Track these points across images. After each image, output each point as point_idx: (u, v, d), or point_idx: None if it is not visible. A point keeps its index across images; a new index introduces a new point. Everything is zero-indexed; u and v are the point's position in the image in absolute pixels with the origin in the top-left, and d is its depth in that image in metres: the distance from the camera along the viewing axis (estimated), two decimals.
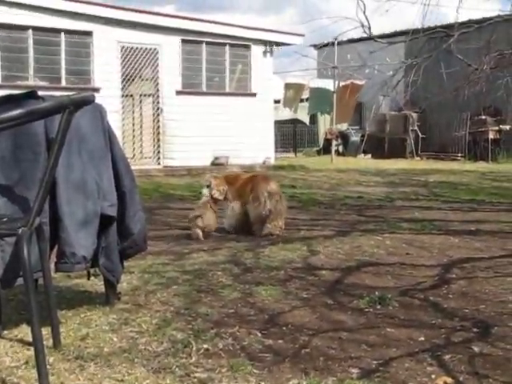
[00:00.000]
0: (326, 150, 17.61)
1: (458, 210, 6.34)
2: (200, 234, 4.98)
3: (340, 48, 14.99)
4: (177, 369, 2.05)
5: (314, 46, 19.73)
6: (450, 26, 6.94)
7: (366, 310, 2.90)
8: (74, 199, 2.40)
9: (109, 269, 2.72)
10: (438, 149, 16.62)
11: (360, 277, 3.60)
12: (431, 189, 8.94)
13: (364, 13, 6.35)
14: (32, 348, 1.91)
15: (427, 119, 17.06)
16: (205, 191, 5.11)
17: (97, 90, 10.63)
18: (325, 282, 3.49)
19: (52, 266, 2.42)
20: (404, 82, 7.93)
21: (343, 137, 18.22)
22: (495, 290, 3.14)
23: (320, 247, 4.49)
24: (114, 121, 9.44)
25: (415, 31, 6.23)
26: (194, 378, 1.98)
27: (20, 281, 2.01)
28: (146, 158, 11.68)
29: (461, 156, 16.16)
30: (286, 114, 17.10)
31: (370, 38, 6.75)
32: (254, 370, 2.05)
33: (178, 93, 11.80)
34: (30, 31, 10.30)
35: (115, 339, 2.37)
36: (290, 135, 19.41)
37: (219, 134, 12.04)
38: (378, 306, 2.94)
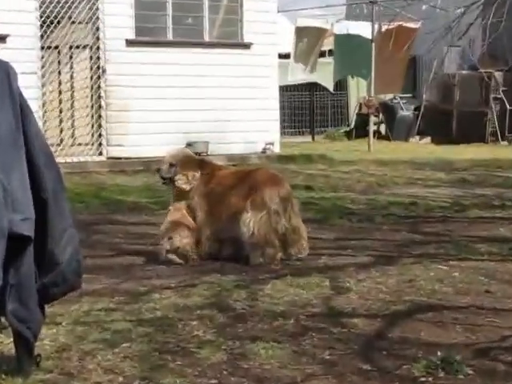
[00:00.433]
0: (359, 130, 17.67)
1: None
2: (175, 259, 5.09)
3: None
4: None
5: None
6: None
7: (423, 379, 2.92)
8: None
9: (21, 318, 2.73)
10: None
11: (413, 328, 3.62)
12: None
13: None
14: None
15: None
16: (164, 172, 5.24)
17: (2, 38, 10.66)
18: (358, 336, 3.51)
19: None
20: (480, 26, 7.95)
21: (387, 111, 18.21)
22: None
23: (350, 282, 4.54)
24: (29, 87, 9.42)
25: None
26: None
27: None
28: (80, 144, 11.68)
29: None
30: (299, 75, 17.10)
31: None
32: None
33: (130, 43, 11.76)
34: None
35: None
36: (304, 108, 19.53)
37: (194, 107, 12.04)
38: (442, 374, 2.96)
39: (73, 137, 11.69)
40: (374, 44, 15.29)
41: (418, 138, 17.88)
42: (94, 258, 5.19)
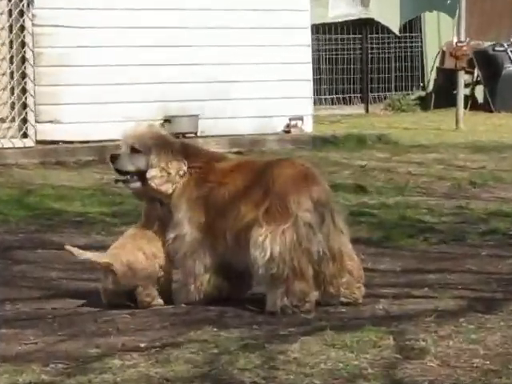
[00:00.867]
0: (441, 96, 17.76)
1: None
2: (145, 300, 5.19)
3: None
4: None
5: None
6: None
7: None
8: None
9: None
10: None
11: None
12: None
13: None
14: None
15: None
16: (122, 163, 5.20)
17: None
18: None
19: None
20: None
21: (487, 64, 18.29)
22: None
23: (427, 340, 4.55)
24: None
25: None
26: None
27: None
28: None
29: None
30: (344, 8, 17.26)
31: None
32: None
33: None
34: None
35: None
36: (353, 62, 19.56)
37: (175, 59, 12.16)
38: None
39: None
40: None
41: None
42: (15, 302, 5.21)
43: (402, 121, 16.19)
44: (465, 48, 15.69)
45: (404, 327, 4.75)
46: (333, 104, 18.37)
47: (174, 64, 12.11)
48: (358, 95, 19.28)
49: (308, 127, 12.97)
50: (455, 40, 16.13)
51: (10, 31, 11.70)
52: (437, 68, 18.80)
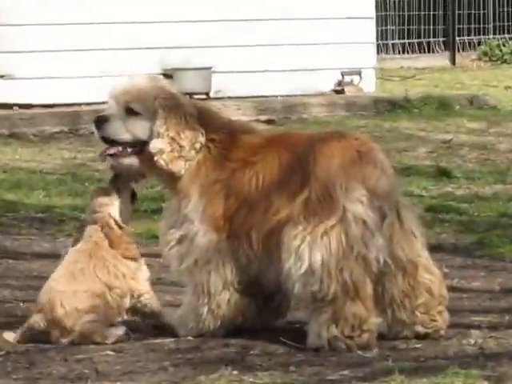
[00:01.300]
0: None
1: None
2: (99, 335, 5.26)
3: None
4: None
5: None
6: None
7: None
8: None
9: None
10: None
11: None
12: None
13: None
14: None
15: None
16: (110, 127, 5.20)
17: None
18: None
19: None
20: None
21: None
22: None
23: None
24: None
25: None
26: None
27: None
28: None
29: None
30: None
31: None
32: None
33: None
34: None
35: None
36: None
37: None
38: None
39: None
40: None
41: None
42: None
43: (504, 76, 16.33)
44: None
45: (504, 370, 4.74)
46: (404, 52, 18.42)
47: (174, 4, 12.32)
48: (441, 40, 19.33)
49: (369, 85, 13.11)
50: None
51: None
52: None
